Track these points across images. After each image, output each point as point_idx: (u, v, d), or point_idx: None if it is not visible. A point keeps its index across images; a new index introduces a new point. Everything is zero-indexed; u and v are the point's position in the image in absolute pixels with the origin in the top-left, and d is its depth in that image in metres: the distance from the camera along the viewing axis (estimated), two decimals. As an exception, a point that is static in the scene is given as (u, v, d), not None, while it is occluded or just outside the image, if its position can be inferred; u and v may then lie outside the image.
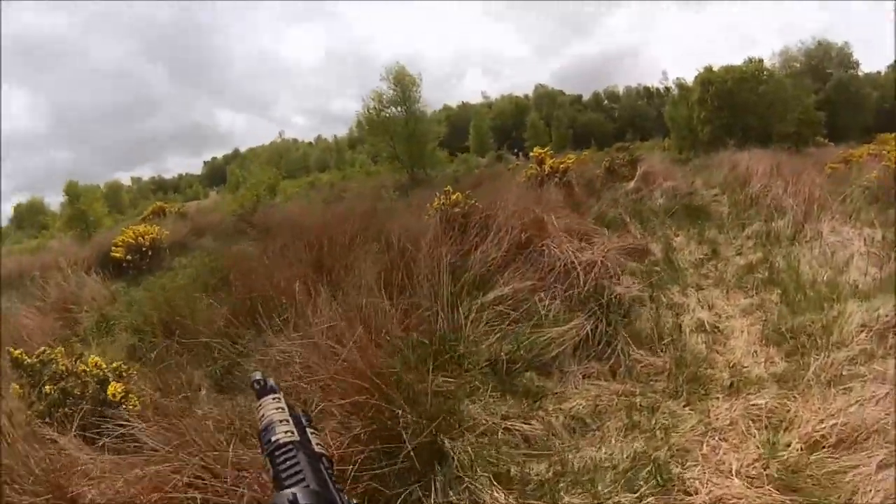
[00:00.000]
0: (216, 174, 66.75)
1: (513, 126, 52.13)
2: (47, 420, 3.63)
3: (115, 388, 3.85)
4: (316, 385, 3.23)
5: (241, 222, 15.87)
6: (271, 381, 0.86)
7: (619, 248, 6.27)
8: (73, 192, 27.55)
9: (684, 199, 10.69)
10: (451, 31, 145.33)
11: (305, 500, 0.59)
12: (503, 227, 5.89)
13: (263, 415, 0.78)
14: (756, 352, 4.04)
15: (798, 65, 36.87)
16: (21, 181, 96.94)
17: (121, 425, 3.20)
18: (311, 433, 0.78)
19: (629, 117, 57.74)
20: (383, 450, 2.85)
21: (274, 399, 0.81)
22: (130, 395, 3.90)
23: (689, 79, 28.97)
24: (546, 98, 59.21)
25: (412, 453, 2.81)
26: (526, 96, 62.55)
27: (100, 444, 3.21)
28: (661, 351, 4.16)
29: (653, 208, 9.64)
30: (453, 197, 7.66)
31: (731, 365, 3.90)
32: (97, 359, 4.26)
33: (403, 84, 22.24)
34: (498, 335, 4.19)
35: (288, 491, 0.60)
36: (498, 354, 3.95)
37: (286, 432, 0.73)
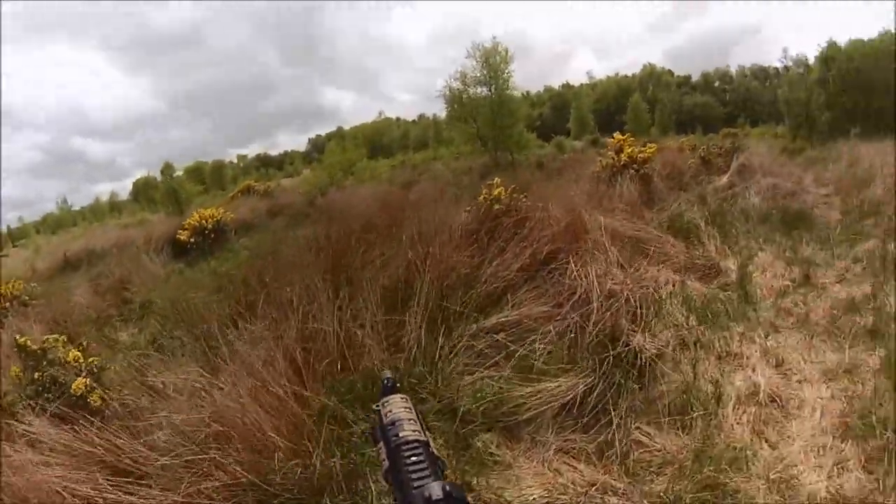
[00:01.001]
0: (319, 150, 68.66)
1: (616, 108, 49.31)
2: (31, 403, 3.91)
3: (78, 385, 4.00)
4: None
5: (308, 205, 15.77)
6: (397, 382, 0.93)
7: (680, 265, 5.20)
8: (168, 171, 29.44)
9: (784, 199, 9.15)
10: (562, 9, 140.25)
11: (457, 494, 0.64)
12: (533, 231, 4.98)
13: (391, 410, 0.82)
14: (824, 448, 2.73)
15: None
16: (143, 158, 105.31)
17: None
18: (429, 435, 0.80)
19: (741, 100, 53.18)
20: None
21: (402, 398, 0.85)
22: (94, 392, 4.00)
23: (812, 57, 25.57)
24: (652, 79, 55.52)
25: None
26: (633, 76, 59.08)
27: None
28: (682, 430, 3.01)
29: (744, 210, 8.22)
30: (496, 192, 6.78)
31: (777, 467, 2.65)
32: (77, 353, 4.45)
33: (492, 62, 20.97)
34: (480, 374, 3.37)
35: (435, 484, 0.65)
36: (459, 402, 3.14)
37: (414, 430, 0.77)
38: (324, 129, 76.72)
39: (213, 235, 12.38)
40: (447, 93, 21.68)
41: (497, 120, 20.97)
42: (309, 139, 73.48)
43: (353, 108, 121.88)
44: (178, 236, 12.44)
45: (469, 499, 0.67)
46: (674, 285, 4.82)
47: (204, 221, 12.47)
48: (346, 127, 64.00)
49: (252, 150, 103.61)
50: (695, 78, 58.39)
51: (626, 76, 58.66)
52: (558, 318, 3.78)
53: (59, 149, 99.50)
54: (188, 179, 56.20)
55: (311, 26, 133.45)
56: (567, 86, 58.63)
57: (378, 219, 6.97)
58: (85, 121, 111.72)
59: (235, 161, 70.13)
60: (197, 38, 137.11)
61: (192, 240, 12.13)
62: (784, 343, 4.03)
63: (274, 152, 72.14)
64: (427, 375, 3.36)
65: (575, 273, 4.08)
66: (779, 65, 30.55)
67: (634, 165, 9.16)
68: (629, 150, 9.44)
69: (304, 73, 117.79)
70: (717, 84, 57.79)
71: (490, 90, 21.23)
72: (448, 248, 4.75)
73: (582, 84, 60.07)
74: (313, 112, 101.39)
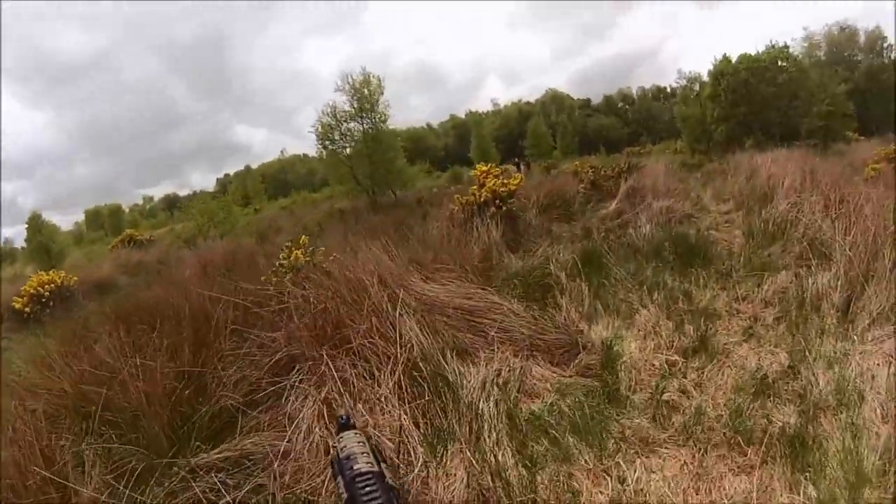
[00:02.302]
0: (225, 190, 65.50)
1: (519, 134, 49.41)
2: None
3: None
4: None
5: (158, 263, 13.52)
6: (352, 419, 0.98)
7: (524, 343, 3.56)
8: (35, 225, 26.39)
9: (680, 224, 7.81)
10: (471, 39, 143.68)
11: None
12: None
13: (345, 445, 0.88)
14: None
15: (821, 54, 33.43)
16: (46, 198, 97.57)
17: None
18: (385, 467, 0.86)
19: (643, 120, 54.71)
20: None
21: (356, 433, 0.91)
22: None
23: (705, 74, 25.60)
24: (554, 103, 56.16)
25: None
26: (535, 101, 59.59)
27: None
28: None
29: (632, 243, 6.75)
30: (293, 254, 4.95)
31: None
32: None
33: (364, 94, 18.96)
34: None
35: None
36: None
37: (367, 462, 0.84)
38: (237, 167, 73.35)
39: (51, 303, 10.94)
40: (318, 129, 19.34)
41: (373, 155, 19.02)
42: (217, 178, 70.74)
43: (264, 145, 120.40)
44: (13, 304, 10.91)
45: None
46: (498, 383, 3.15)
47: (41, 288, 11.07)
48: (255, 165, 61.83)
49: (162, 190, 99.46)
50: (597, 100, 59.72)
51: (528, 102, 59.19)
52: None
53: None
54: (88, 225, 52.24)
55: (222, 60, 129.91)
56: (472, 114, 58.43)
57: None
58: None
59: (141, 203, 66.09)
60: (101, 67, 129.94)
61: (26, 309, 10.73)
62: (659, 477, 2.44)
63: (184, 192, 68.95)
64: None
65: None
66: (676, 84, 31.03)
67: (497, 201, 7.56)
68: (490, 184, 7.84)
69: (214, 107, 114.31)
70: (619, 105, 59.21)
71: (362, 124, 19.28)
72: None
73: (486, 112, 60.16)
74: (225, 149, 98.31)
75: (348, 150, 19.19)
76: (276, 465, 2.56)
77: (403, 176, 20.04)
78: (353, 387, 3.02)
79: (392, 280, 4.18)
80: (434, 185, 22.29)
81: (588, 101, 59.01)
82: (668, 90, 54.16)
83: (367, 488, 0.78)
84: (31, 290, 11.09)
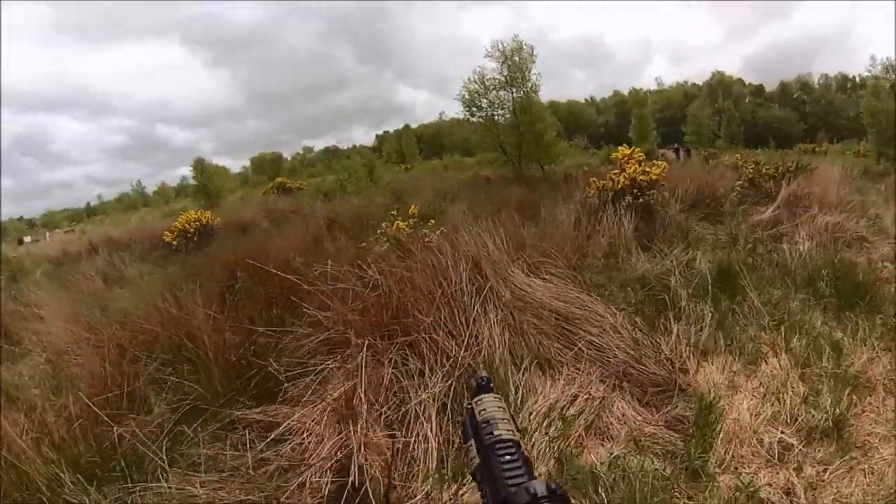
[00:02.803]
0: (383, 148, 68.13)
1: (682, 117, 46.24)
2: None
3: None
4: None
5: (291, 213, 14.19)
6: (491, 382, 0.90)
7: (616, 368, 3.05)
8: (199, 168, 29.43)
9: (848, 248, 6.54)
10: (638, 16, 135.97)
11: (560, 492, 0.61)
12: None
13: (485, 409, 0.80)
14: None
15: None
16: (222, 146, 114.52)
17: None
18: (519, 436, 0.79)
19: (823, 113, 48.47)
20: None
21: (496, 398, 0.83)
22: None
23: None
24: (721, 87, 51.32)
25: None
26: (701, 84, 54.99)
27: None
28: None
29: (781, 263, 5.71)
30: (395, 224, 4.71)
31: None
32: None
33: (514, 63, 18.04)
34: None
35: (539, 482, 0.62)
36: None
37: (509, 430, 0.76)
38: (395, 126, 76.09)
39: (195, 239, 12.16)
40: (465, 95, 18.62)
41: (521, 126, 18.15)
42: (376, 135, 73.63)
43: (426, 107, 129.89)
44: (164, 237, 12.52)
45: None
46: (565, 415, 2.66)
47: (188, 225, 12.39)
48: (414, 125, 63.29)
49: (324, 143, 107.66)
50: (772, 88, 53.76)
51: (694, 84, 54.75)
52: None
53: (145, 135, 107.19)
54: (253, 170, 57.80)
55: (384, 25, 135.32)
56: (634, 92, 55.26)
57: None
58: (168, 109, 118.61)
59: (301, 153, 71.00)
60: (271, 35, 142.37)
61: (174, 242, 12.12)
62: None
63: (345, 146, 72.78)
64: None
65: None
66: (866, 74, 26.24)
67: (635, 190, 6.73)
68: (631, 170, 7.00)
69: (378, 70, 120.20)
70: (796, 95, 52.86)
71: (512, 93, 18.42)
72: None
73: (649, 91, 56.56)
74: (387, 109, 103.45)
75: (497, 118, 18.69)
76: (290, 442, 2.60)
77: (552, 150, 19.04)
78: (387, 387, 2.68)
79: (490, 268, 3.77)
80: (587, 163, 21.08)
81: (761, 87, 53.46)
82: (857, 80, 47.36)
83: (508, 457, 0.71)
84: (179, 227, 12.43)
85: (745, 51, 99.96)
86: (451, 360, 2.91)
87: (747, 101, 49.81)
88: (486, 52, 18.02)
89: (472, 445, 0.78)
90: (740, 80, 54.26)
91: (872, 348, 3.67)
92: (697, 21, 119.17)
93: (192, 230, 12.36)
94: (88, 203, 69.95)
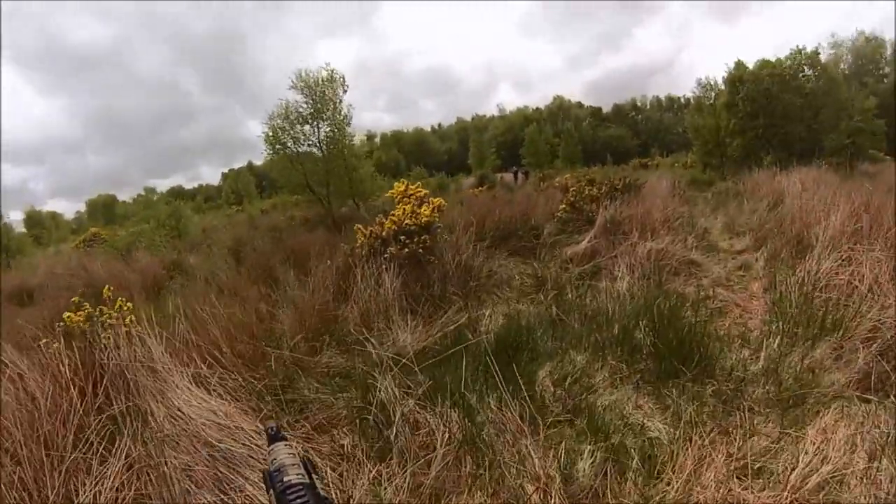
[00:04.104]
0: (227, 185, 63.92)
1: (522, 141, 47.20)
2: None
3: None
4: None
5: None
6: (282, 431, 0.91)
7: None
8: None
9: (676, 276, 5.49)
10: (485, 45, 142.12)
11: None
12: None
13: (275, 458, 0.82)
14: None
15: (844, 67, 30.74)
16: (57, 185, 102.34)
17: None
18: (315, 478, 0.80)
19: (654, 131, 52.11)
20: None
21: (286, 445, 0.85)
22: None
23: (722, 81, 22.66)
24: (561, 111, 53.69)
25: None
26: (542, 108, 57.16)
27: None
28: None
29: (595, 311, 4.42)
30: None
31: None
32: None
33: (321, 95, 16.21)
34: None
35: None
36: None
37: (298, 475, 0.78)
38: (244, 163, 72.44)
39: None
40: (269, 133, 16.28)
41: (329, 162, 16.41)
42: (222, 173, 69.61)
43: None
44: None
45: None
46: None
47: None
48: (261, 162, 60.09)
49: (172, 182, 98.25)
50: (609, 110, 57.22)
51: (536, 108, 56.81)
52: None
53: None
54: (88, 215, 50.95)
55: (235, 56, 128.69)
56: (477, 118, 56.21)
57: None
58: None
59: (144, 194, 64.83)
60: (116, 59, 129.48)
61: None
62: None
63: (192, 185, 67.85)
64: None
65: None
66: (691, 95, 28.17)
67: (402, 237, 5.14)
68: (399, 212, 5.42)
69: (226, 103, 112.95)
70: (630, 115, 56.70)
71: (318, 127, 16.50)
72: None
73: (492, 116, 57.91)
74: (236, 144, 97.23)
75: (302, 154, 16.47)
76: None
77: (366, 186, 17.28)
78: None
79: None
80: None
81: (599, 109, 56.50)
82: (683, 100, 51.77)
83: (298, 500, 0.73)
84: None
85: (586, 77, 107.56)
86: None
87: (586, 122, 52.26)
88: (290, 84, 16.00)
89: (271, 495, 0.77)
90: (579, 104, 57.19)
91: (701, 444, 2.40)
92: (538, 50, 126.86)
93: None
94: None
